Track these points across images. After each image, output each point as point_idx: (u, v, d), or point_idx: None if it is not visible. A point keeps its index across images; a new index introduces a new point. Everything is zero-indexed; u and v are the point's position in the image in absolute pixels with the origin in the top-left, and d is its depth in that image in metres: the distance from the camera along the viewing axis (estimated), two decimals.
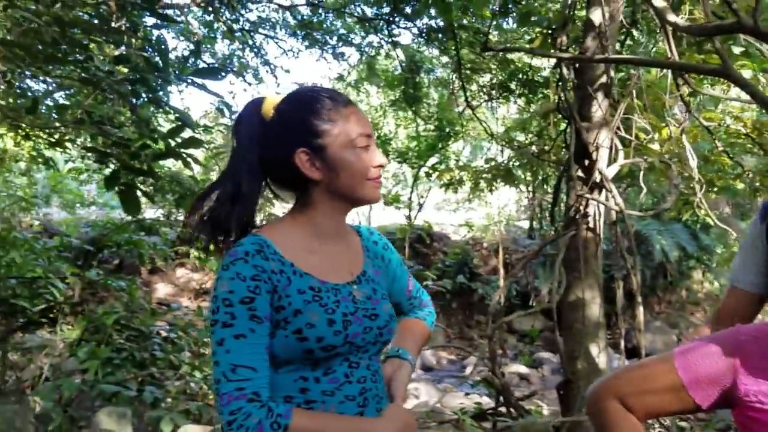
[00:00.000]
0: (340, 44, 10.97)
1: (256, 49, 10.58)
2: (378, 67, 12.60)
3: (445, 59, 10.61)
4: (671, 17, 2.56)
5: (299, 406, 1.22)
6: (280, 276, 1.21)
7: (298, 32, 10.37)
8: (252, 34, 10.33)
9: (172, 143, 2.75)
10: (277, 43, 10.60)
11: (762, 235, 1.69)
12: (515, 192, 13.17)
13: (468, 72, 9.43)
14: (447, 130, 11.55)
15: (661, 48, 4.83)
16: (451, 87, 10.00)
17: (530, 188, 11.59)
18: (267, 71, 10.71)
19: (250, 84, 13.31)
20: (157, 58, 2.72)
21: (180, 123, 2.51)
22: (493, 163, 7.40)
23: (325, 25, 10.55)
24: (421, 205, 13.00)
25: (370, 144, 1.28)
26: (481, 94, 9.57)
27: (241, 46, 10.18)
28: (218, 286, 1.19)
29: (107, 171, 2.98)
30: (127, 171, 2.75)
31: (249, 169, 1.26)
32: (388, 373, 1.38)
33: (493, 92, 8.54)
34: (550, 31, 3.94)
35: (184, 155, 2.56)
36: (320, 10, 10.16)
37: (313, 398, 1.23)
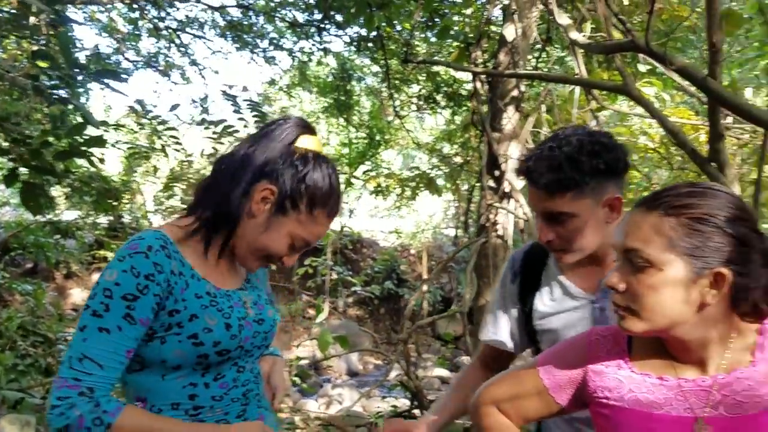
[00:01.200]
0: (271, 48, 10.91)
1: (183, 48, 10.39)
2: (310, 73, 12.60)
3: (376, 68, 10.73)
4: (573, 35, 2.70)
5: (186, 413, 1.22)
6: (179, 278, 1.19)
7: (228, 34, 10.26)
8: (179, 33, 10.14)
9: (78, 141, 2.69)
10: (205, 43, 10.43)
11: (515, 297, 1.67)
12: (443, 201, 13.44)
13: (397, 82, 9.58)
14: (377, 138, 11.67)
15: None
16: (380, 96, 10.12)
17: (455, 197, 11.87)
18: (195, 71, 10.55)
19: (176, 83, 13.06)
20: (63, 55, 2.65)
21: (83, 121, 2.46)
22: (417, 172, 7.53)
23: (255, 28, 10.47)
24: (351, 212, 13.06)
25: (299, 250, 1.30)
26: (410, 104, 9.73)
27: (167, 45, 9.97)
28: (106, 274, 1.15)
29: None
30: (30, 169, 2.67)
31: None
32: (266, 370, 1.42)
33: (421, 103, 8.70)
34: (467, 46, 4.07)
35: (88, 153, 2.51)
36: (250, 13, 10.09)
37: (201, 404, 1.23)
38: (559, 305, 1.58)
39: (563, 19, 2.71)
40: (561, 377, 1.21)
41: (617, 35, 3.34)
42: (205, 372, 1.23)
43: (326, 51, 10.20)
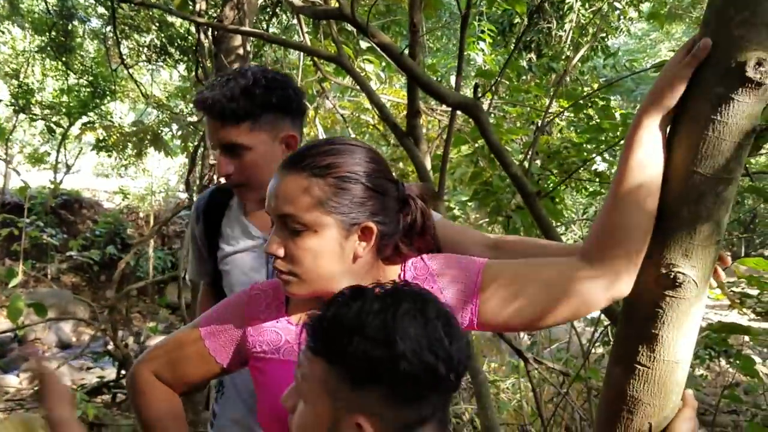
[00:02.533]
0: None
1: None
2: (23, 6, 10.95)
3: (102, 10, 9.70)
4: None
5: None
6: None
7: None
8: None
9: None
10: None
11: (203, 239, 1.69)
12: (179, 163, 12.79)
13: (126, 28, 8.78)
14: (102, 87, 10.60)
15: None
16: (107, 42, 9.18)
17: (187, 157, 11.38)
18: None
19: None
20: None
21: None
22: (140, 126, 7.01)
23: None
24: (69, 167, 11.73)
25: None
26: (141, 54, 9.01)
27: None
28: None
29: None
30: None
31: None
32: None
33: (152, 54, 8.10)
34: None
35: None
36: None
37: None
38: (238, 245, 1.61)
39: None
40: (223, 338, 1.19)
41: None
42: None
43: None
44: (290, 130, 1.54)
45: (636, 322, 1.15)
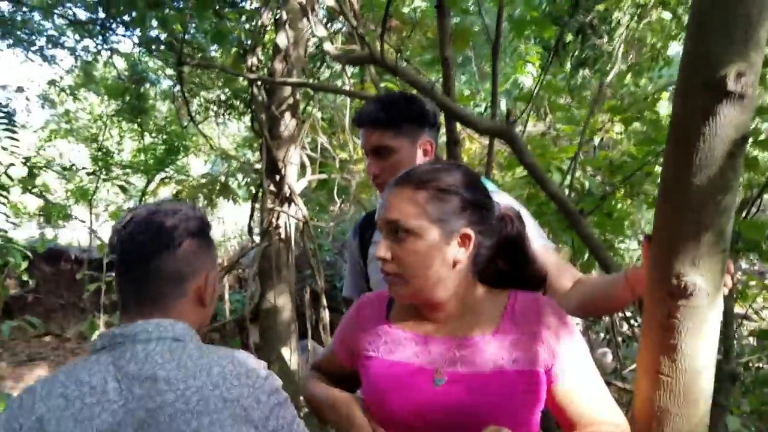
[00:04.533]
0: (50, 46, 10.03)
1: None
2: (97, 74, 11.76)
3: (171, 71, 10.31)
4: (327, 46, 2.86)
5: None
6: None
7: None
8: None
9: None
10: None
11: (357, 252, 1.97)
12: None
13: (193, 87, 9.30)
14: (176, 144, 11.21)
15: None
16: (177, 101, 9.75)
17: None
18: None
19: None
20: None
21: None
22: (209, 178, 7.38)
23: (32, 25, 9.55)
24: None
25: None
26: (208, 109, 9.50)
27: None
28: None
29: None
30: None
31: None
32: None
33: (218, 109, 8.54)
34: (243, 52, 4.11)
35: None
36: (24, 8, 9.19)
37: None
38: None
39: (320, 30, 2.87)
40: (343, 340, 1.36)
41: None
42: None
43: (113, 51, 9.61)
44: (427, 138, 1.83)
45: (654, 334, 1.18)
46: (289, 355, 3.87)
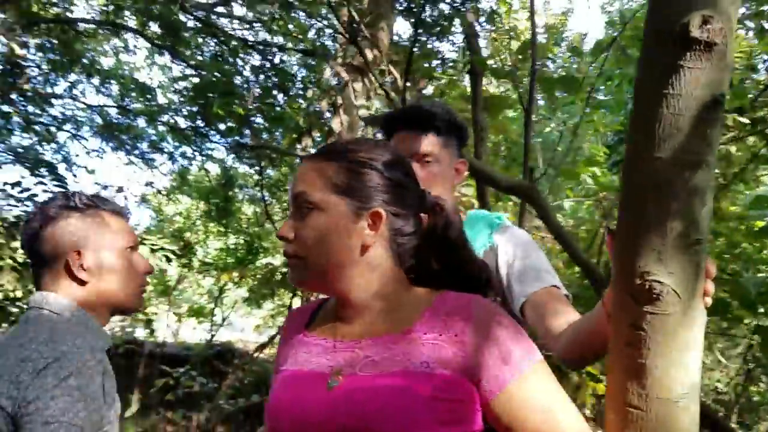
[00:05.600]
0: (151, 151, 10.86)
1: (57, 145, 10.16)
2: (191, 177, 12.53)
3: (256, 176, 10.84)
4: (362, 112, 2.87)
5: None
6: None
7: (104, 133, 10.16)
8: (54, 129, 9.95)
9: None
10: (79, 141, 10.23)
11: None
12: None
13: (277, 191, 9.71)
14: (256, 245, 11.56)
15: None
16: (263, 203, 10.16)
17: None
18: (65, 168, 10.22)
19: (46, 186, 12.64)
20: None
21: None
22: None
23: (136, 130, 10.44)
24: (224, 320, 12.57)
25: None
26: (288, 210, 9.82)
27: (36, 139, 9.70)
28: None
29: None
30: None
31: None
32: None
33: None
34: (299, 135, 4.24)
35: None
36: (130, 114, 10.10)
37: None
38: None
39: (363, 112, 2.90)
40: (280, 358, 1.18)
41: None
42: None
43: (209, 157, 10.26)
44: (460, 158, 1.71)
45: (620, 352, 0.95)
46: None
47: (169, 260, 7.59)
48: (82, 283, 1.35)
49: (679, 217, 0.88)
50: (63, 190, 5.97)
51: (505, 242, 1.52)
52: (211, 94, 6.70)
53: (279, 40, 6.87)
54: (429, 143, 1.61)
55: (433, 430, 0.92)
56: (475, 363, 0.96)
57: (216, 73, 6.62)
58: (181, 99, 9.08)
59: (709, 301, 0.95)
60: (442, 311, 1.02)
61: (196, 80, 7.83)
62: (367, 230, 1.05)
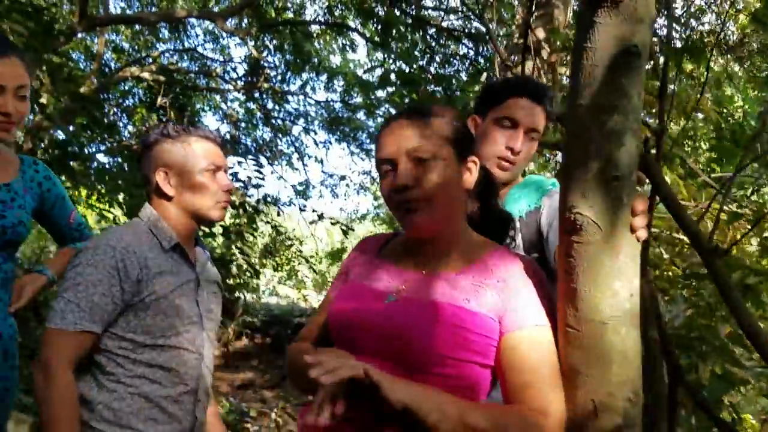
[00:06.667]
0: (370, 141, 11.70)
1: (292, 138, 11.45)
2: None
3: None
4: None
5: None
6: None
7: (331, 126, 11.20)
8: (289, 123, 11.23)
9: None
10: (308, 133, 11.43)
11: None
12: None
13: None
14: None
15: None
16: None
17: None
18: (297, 159, 11.50)
19: (280, 175, 14.34)
20: None
21: None
22: None
23: (357, 122, 11.28)
24: None
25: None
26: None
27: (271, 133, 11.02)
28: None
29: None
30: None
31: None
32: (24, 281, 1.71)
33: None
34: None
35: None
36: (352, 107, 10.96)
37: None
38: None
39: None
40: (347, 270, 1.36)
41: None
42: None
43: None
44: None
45: (561, 279, 1.09)
46: None
47: (345, 233, 8.31)
48: (168, 198, 1.58)
49: (597, 158, 0.99)
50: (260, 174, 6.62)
51: (549, 205, 1.59)
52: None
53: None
54: (541, 118, 1.67)
55: (456, 353, 1.10)
56: (504, 307, 1.12)
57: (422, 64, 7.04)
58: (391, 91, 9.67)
59: (641, 235, 1.03)
60: (491, 262, 1.18)
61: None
62: (467, 175, 1.21)
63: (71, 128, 7.38)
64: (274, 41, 9.95)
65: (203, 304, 1.61)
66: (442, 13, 8.04)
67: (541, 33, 4.43)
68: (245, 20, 9.55)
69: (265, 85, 9.94)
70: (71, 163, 6.55)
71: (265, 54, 10.14)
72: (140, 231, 1.55)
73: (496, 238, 1.29)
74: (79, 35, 7.95)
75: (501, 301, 1.12)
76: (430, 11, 8.36)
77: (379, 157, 1.19)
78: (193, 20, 9.05)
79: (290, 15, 10.20)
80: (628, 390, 1.03)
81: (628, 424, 1.04)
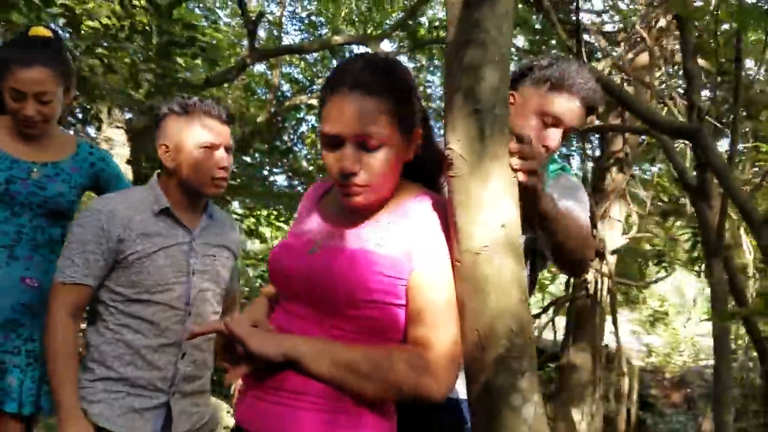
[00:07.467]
0: None
1: None
2: None
3: None
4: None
5: None
6: None
7: None
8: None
9: None
10: None
11: None
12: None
13: None
14: None
15: None
16: None
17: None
18: None
19: None
20: None
21: None
22: None
23: None
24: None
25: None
26: None
27: None
28: None
29: None
30: None
31: None
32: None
33: None
34: None
35: None
36: None
37: None
38: None
39: None
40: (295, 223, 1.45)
41: None
42: None
43: None
44: None
45: (450, 216, 1.12)
46: (580, 418, 3.62)
47: None
48: (168, 172, 1.72)
49: (459, 92, 1.04)
50: None
51: (551, 186, 1.57)
52: None
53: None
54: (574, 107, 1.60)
55: (370, 295, 1.15)
56: (413, 247, 1.16)
57: None
58: None
59: (521, 176, 1.06)
60: (408, 205, 1.22)
61: None
62: (410, 149, 1.19)
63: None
64: (434, 60, 10.09)
65: (197, 266, 1.73)
66: None
67: None
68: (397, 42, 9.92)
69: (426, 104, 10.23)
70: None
71: (422, 75, 10.45)
72: (134, 196, 1.73)
73: (430, 175, 1.31)
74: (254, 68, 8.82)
75: (411, 240, 1.17)
76: None
77: (325, 132, 1.16)
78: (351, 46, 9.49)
79: (443, 33, 10.39)
80: (509, 319, 1.04)
81: (515, 355, 1.04)
